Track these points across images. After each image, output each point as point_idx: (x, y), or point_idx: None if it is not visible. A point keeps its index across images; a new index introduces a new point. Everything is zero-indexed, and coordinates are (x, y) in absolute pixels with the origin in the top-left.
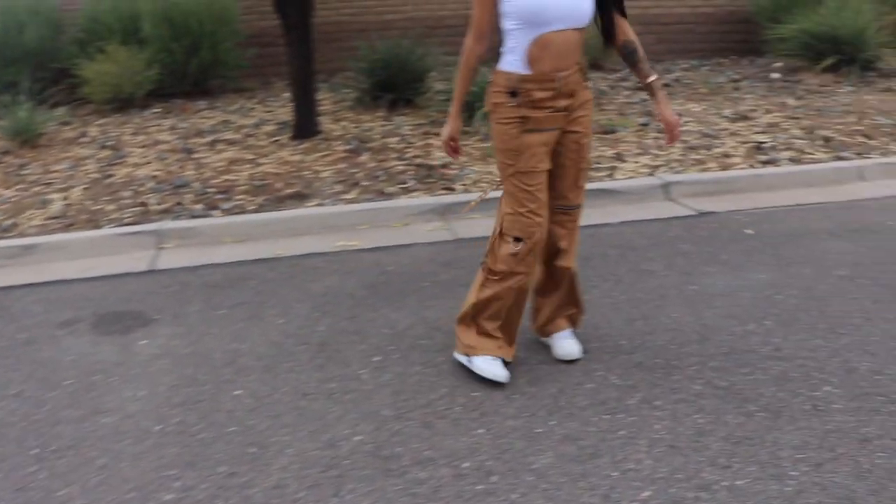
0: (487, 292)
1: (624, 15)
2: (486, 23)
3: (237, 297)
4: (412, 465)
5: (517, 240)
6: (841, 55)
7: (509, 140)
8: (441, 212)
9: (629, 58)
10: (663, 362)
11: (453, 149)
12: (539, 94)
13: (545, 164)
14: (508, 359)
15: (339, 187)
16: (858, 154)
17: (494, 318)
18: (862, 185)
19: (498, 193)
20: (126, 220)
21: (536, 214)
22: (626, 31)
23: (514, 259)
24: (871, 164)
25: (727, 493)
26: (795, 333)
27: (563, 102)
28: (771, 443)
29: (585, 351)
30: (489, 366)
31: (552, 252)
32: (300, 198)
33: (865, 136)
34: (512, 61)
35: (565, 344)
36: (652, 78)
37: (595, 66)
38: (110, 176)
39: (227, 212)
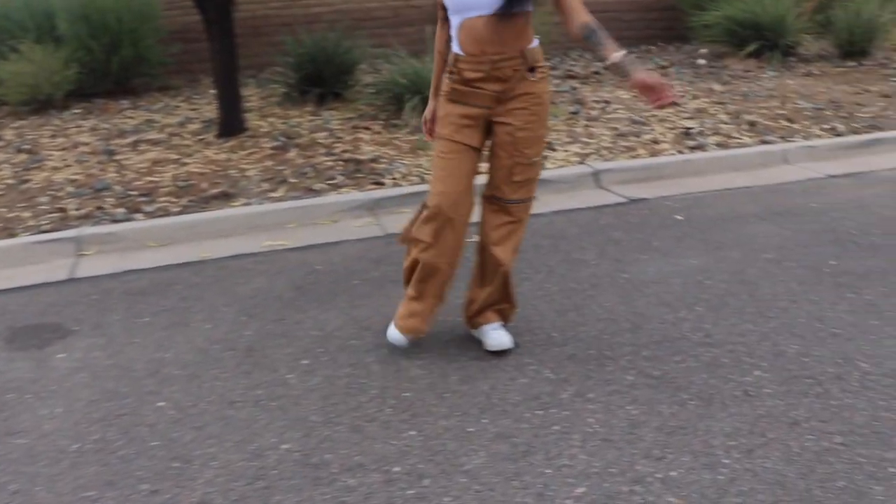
0: (406, 261)
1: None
2: (440, 9)
3: (161, 303)
4: (342, 471)
5: (425, 206)
6: (763, 41)
7: (440, 109)
8: (370, 207)
9: (588, 41)
10: (596, 353)
11: (427, 130)
12: (470, 74)
13: (461, 137)
14: (409, 334)
15: (266, 185)
16: (782, 138)
17: (408, 284)
18: (786, 169)
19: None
20: (43, 228)
21: (447, 188)
22: (577, 16)
23: (414, 224)
24: (795, 148)
25: (661, 484)
26: (726, 318)
27: (493, 86)
28: (703, 431)
29: (518, 345)
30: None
31: (485, 241)
32: (226, 197)
33: (788, 119)
34: (453, 44)
35: (495, 335)
36: (617, 56)
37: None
38: (26, 181)
39: (151, 215)
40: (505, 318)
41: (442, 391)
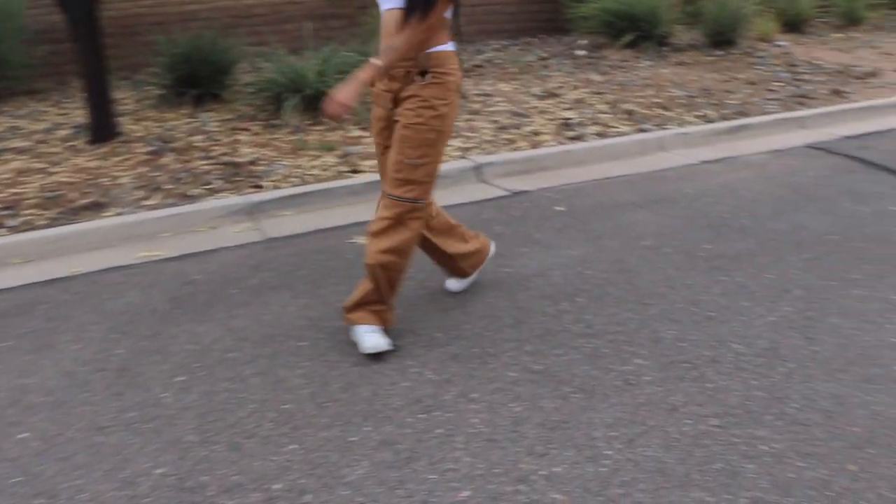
0: None
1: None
2: None
3: (25, 325)
4: (219, 493)
5: None
6: (639, 31)
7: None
8: (249, 211)
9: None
10: (479, 351)
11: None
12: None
13: (380, 139)
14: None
15: (139, 193)
16: (658, 125)
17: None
18: (662, 156)
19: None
20: None
21: (382, 180)
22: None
23: None
24: (670, 135)
25: (545, 481)
26: (606, 308)
27: (391, 84)
28: (586, 424)
29: (400, 347)
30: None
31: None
32: (97, 207)
33: (663, 107)
34: None
35: (369, 338)
36: (373, 59)
37: None
38: None
39: (14, 229)
40: (383, 322)
41: (323, 400)
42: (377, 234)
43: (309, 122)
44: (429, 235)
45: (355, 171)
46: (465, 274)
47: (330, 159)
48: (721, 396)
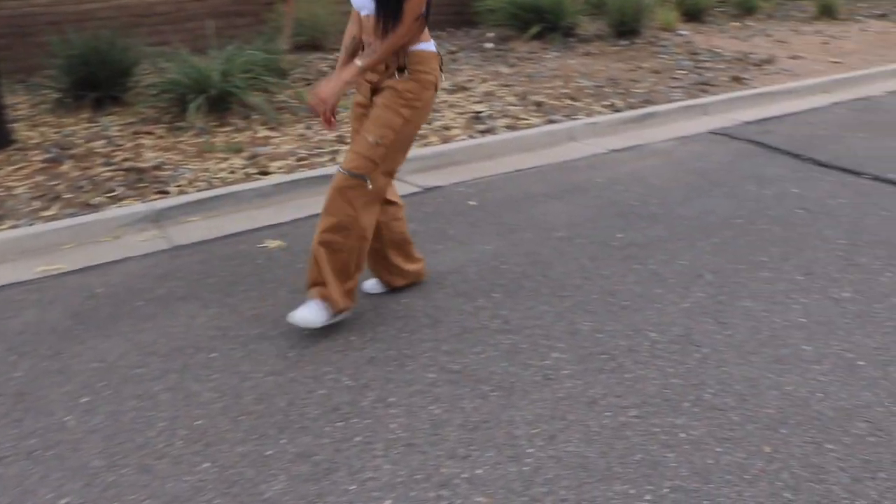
0: None
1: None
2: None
3: None
4: None
5: None
6: (545, 23)
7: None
8: (155, 218)
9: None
10: (396, 353)
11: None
12: None
13: (357, 125)
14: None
15: (37, 204)
16: (567, 116)
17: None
18: (572, 146)
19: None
20: None
21: None
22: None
23: None
24: (579, 125)
25: (468, 485)
26: (522, 302)
27: (371, 76)
28: (507, 422)
29: (315, 353)
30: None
31: None
32: None
33: (572, 98)
34: None
35: (301, 310)
36: (357, 59)
37: (315, 46)
38: None
39: None
40: (327, 300)
41: (236, 414)
42: (325, 211)
43: (215, 124)
44: (379, 237)
45: (264, 173)
46: (391, 287)
47: (238, 161)
48: (639, 386)
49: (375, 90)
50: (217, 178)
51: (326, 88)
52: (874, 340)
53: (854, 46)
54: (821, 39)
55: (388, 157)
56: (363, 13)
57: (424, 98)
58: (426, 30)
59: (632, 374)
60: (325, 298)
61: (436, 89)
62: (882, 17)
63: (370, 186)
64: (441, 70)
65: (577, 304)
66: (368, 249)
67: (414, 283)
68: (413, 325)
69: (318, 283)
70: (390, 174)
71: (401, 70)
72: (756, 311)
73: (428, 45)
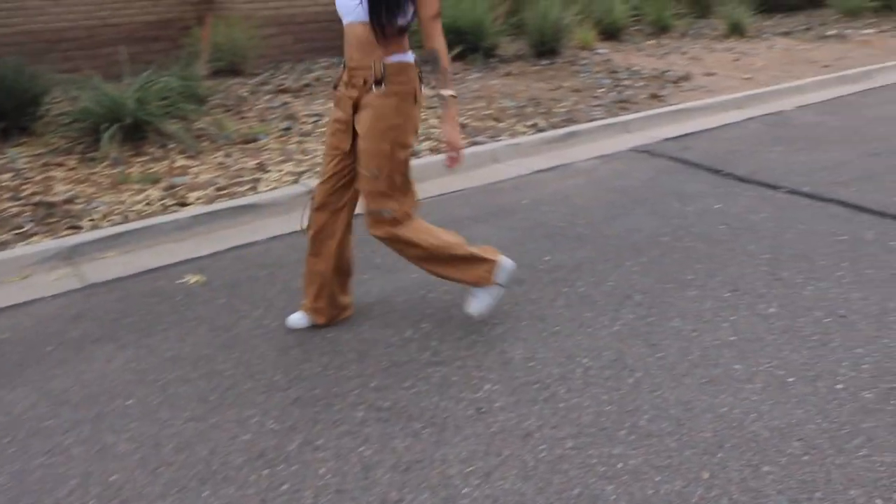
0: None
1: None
2: None
3: None
4: None
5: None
6: (466, 44)
7: None
8: (66, 255)
9: (427, 64)
10: (323, 392)
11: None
12: (342, 76)
13: (334, 140)
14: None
15: None
16: (491, 137)
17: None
18: (497, 167)
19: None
20: None
21: (320, 182)
22: (431, 38)
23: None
24: (503, 146)
25: None
26: (452, 332)
27: (350, 92)
28: (440, 461)
29: (237, 395)
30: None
31: None
32: None
33: (495, 119)
34: None
35: (475, 303)
36: (444, 92)
37: (234, 70)
38: None
39: None
40: (479, 280)
41: (155, 466)
42: (397, 248)
43: (130, 154)
44: (328, 260)
45: (183, 204)
46: (313, 317)
47: (155, 192)
48: (574, 416)
49: (356, 107)
50: (133, 210)
51: (453, 138)
52: (801, 356)
53: (763, 63)
54: (732, 56)
55: (394, 182)
56: (346, 20)
57: (407, 112)
58: (405, 40)
59: (566, 403)
60: (480, 280)
61: (416, 100)
62: (787, 34)
63: (391, 214)
64: (421, 81)
65: (507, 331)
66: (314, 271)
67: (338, 319)
68: (340, 361)
69: (463, 281)
70: (407, 188)
71: (378, 83)
72: (686, 330)
73: (404, 55)
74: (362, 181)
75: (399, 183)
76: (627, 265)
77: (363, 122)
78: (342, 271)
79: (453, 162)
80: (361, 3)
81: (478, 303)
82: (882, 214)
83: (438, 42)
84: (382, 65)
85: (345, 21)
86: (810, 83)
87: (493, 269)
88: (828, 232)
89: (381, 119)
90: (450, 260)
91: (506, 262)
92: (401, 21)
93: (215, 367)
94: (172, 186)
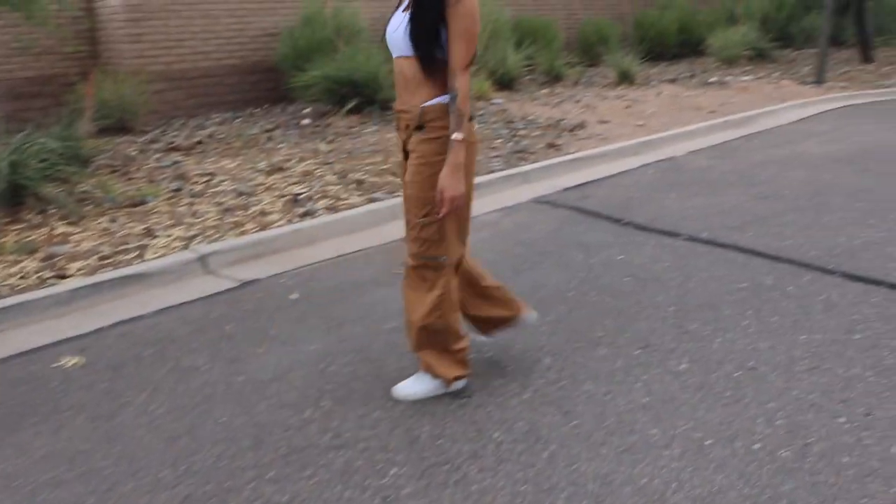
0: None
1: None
2: None
3: None
4: None
5: None
6: (361, 97)
7: None
8: None
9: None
10: (215, 488)
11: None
12: (396, 118)
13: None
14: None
15: None
16: (389, 193)
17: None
18: (397, 225)
19: None
20: None
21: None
22: (452, 78)
23: None
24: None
25: None
26: (354, 409)
27: (401, 135)
28: None
29: (117, 498)
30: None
31: None
32: None
33: (393, 174)
34: None
35: (402, 383)
36: (452, 135)
37: (123, 128)
38: None
39: None
40: (428, 370)
41: None
42: (408, 289)
43: (5, 221)
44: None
45: (62, 276)
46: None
47: (31, 264)
48: (488, 499)
49: (405, 151)
50: (6, 284)
51: (443, 184)
52: (716, 414)
53: (654, 109)
54: (624, 104)
55: (442, 228)
56: (394, 54)
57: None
58: (445, 81)
59: (478, 485)
60: (437, 375)
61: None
62: (672, 81)
63: (441, 262)
64: (471, 119)
65: (413, 405)
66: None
67: (508, 323)
68: (233, 450)
69: (429, 361)
70: (451, 238)
71: (418, 128)
72: (599, 394)
73: (443, 98)
74: (413, 227)
75: (445, 230)
76: (535, 324)
77: (409, 168)
78: (472, 285)
79: (440, 206)
80: (406, 32)
81: (416, 387)
82: (776, 259)
83: (460, 81)
84: (421, 109)
85: (394, 55)
86: (699, 129)
87: (460, 376)
88: (729, 279)
89: (424, 165)
90: (442, 348)
91: (467, 377)
92: (440, 54)
93: (94, 465)
94: (51, 256)
